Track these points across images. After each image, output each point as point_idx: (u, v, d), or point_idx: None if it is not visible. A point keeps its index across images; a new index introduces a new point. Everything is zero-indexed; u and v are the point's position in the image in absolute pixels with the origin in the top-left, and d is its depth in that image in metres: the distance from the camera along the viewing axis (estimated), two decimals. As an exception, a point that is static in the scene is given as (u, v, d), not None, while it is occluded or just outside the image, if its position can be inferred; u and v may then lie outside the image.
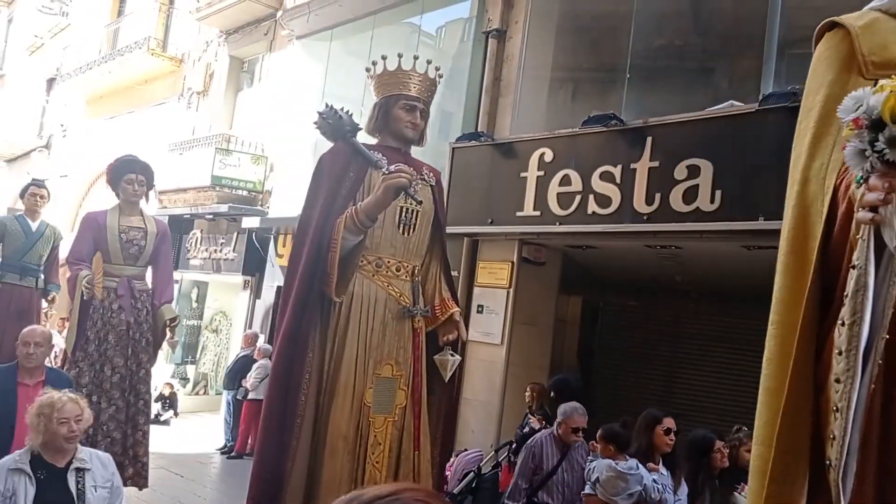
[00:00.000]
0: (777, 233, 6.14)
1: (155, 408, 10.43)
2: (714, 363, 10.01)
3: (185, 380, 12.61)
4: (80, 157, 17.08)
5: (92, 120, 17.04)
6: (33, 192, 7.04)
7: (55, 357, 6.20)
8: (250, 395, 9.45)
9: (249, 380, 9.47)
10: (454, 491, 6.48)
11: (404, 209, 3.54)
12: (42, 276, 6.95)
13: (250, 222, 10.72)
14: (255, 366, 9.56)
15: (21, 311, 6.65)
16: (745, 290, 9.44)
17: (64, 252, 6.73)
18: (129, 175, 5.59)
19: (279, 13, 11.27)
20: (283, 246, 10.26)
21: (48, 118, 19.24)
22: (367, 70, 3.71)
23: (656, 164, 6.01)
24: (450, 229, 7.42)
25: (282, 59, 11.40)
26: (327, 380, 3.36)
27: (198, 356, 13.12)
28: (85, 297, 5.23)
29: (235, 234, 11.31)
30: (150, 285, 5.69)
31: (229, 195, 11.26)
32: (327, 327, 3.38)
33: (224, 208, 11.17)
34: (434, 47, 9.47)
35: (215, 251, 11.87)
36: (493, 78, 7.83)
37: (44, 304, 7.00)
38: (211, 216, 11.82)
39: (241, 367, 9.74)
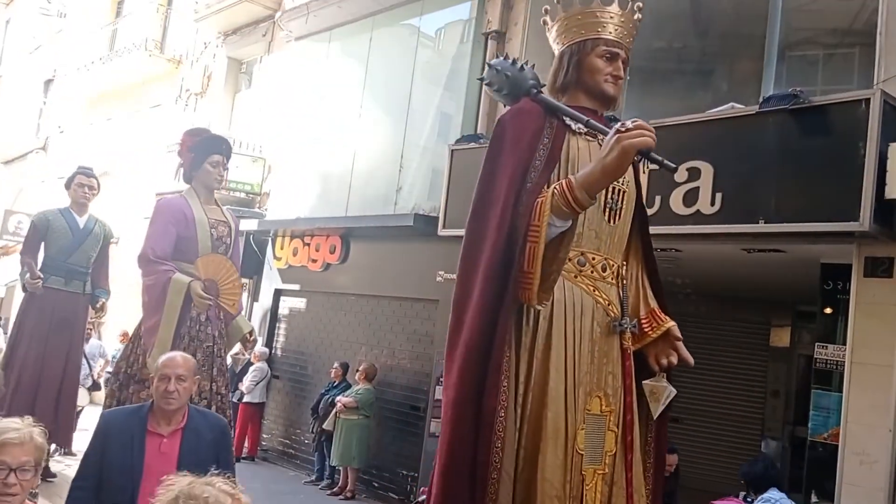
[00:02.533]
0: (777, 235, 6.10)
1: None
2: (713, 366, 9.98)
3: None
4: (78, 158, 17.01)
5: (90, 121, 17.00)
6: (81, 182, 6.13)
7: (115, 378, 4.74)
8: (245, 398, 9.41)
9: (245, 383, 9.43)
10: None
11: (615, 188, 2.66)
12: (89, 281, 6.09)
13: (248, 224, 10.65)
14: (251, 368, 9.53)
15: (65, 321, 5.89)
16: (744, 294, 9.44)
17: (109, 252, 6.19)
18: (215, 156, 4.59)
19: (278, 14, 11.23)
20: (281, 248, 10.22)
21: (45, 119, 19.19)
22: (546, 11, 2.85)
23: (656, 166, 5.96)
24: (448, 232, 7.43)
25: (280, 61, 11.36)
26: (527, 418, 2.47)
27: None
28: (195, 314, 4.31)
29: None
30: None
31: (227, 197, 11.21)
32: (520, 345, 2.51)
33: (222, 210, 11.12)
34: (433, 49, 9.44)
35: (213, 253, 11.83)
36: (493, 80, 7.80)
37: (91, 312, 6.31)
38: (208, 218, 11.77)
39: (237, 370, 9.71)
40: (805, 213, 5.11)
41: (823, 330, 5.87)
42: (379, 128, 9.48)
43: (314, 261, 9.60)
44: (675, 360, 2.75)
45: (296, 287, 10.07)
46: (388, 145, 9.11)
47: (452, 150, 7.52)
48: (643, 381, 2.75)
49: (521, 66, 2.73)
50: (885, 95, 4.93)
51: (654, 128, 6.53)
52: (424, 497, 3.14)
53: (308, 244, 9.73)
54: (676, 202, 5.78)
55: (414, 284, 8.13)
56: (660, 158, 2.56)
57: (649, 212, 5.93)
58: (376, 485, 8.24)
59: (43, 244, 5.91)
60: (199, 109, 13.20)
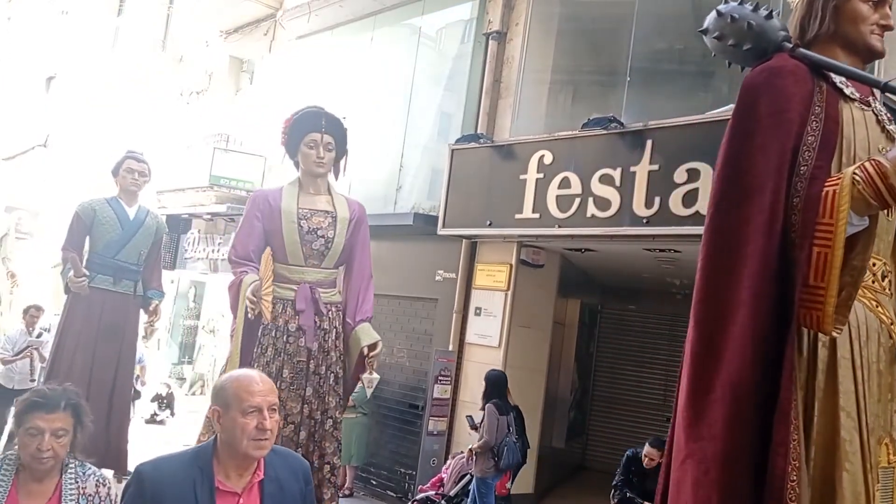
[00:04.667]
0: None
1: (151, 408, 10.41)
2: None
3: (181, 380, 12.59)
4: (79, 155, 17.04)
5: (91, 118, 17.01)
6: (130, 167, 5.38)
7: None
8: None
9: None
10: (450, 493, 6.45)
11: None
12: (140, 281, 5.38)
13: (248, 222, 10.67)
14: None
15: (113, 327, 5.15)
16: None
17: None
18: (312, 135, 3.91)
19: (279, 13, 11.25)
20: (281, 246, 10.24)
21: (47, 116, 19.20)
22: None
23: (656, 167, 5.99)
24: (448, 231, 7.46)
25: (281, 60, 11.37)
26: (813, 481, 1.84)
27: (195, 356, 13.08)
28: (249, 316, 3.66)
29: (233, 234, 11.28)
30: (341, 296, 4.03)
31: (227, 195, 11.24)
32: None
33: (222, 208, 11.14)
34: (434, 48, 9.46)
35: (213, 251, 11.85)
36: (493, 80, 7.82)
37: (143, 316, 5.49)
38: (209, 216, 11.80)
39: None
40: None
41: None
42: (379, 127, 9.49)
43: (314, 259, 9.61)
44: None
45: (295, 285, 10.08)
46: (388, 144, 9.12)
47: (453, 150, 7.54)
48: None
49: (769, 12, 2.09)
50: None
51: (655, 128, 6.44)
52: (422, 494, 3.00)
53: (308, 242, 9.75)
54: (676, 203, 5.80)
55: (413, 283, 8.15)
56: None
57: (649, 212, 6.01)
58: (374, 482, 8.26)
59: (89, 238, 5.21)
60: (200, 107, 13.22)
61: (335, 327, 3.88)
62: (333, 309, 3.90)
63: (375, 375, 3.20)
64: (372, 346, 3.98)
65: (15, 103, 20.79)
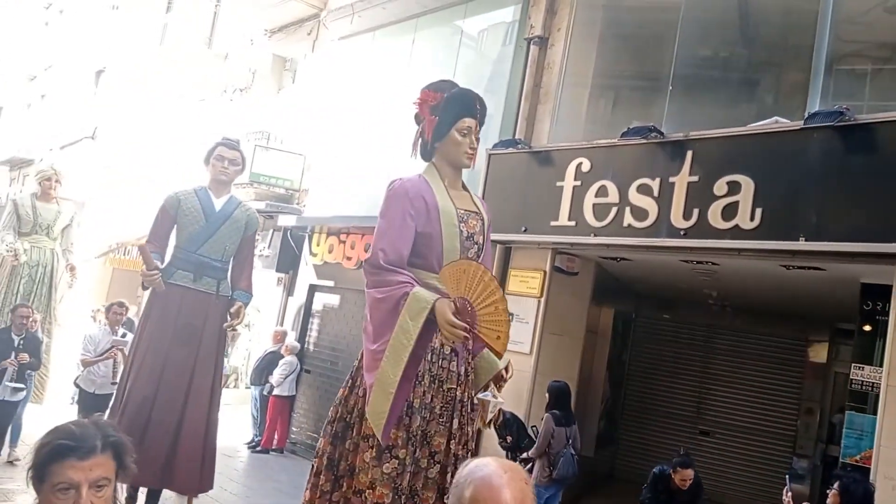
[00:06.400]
0: (818, 254, 6.00)
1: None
2: (745, 380, 9.85)
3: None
4: (125, 149, 17.42)
5: (137, 112, 17.37)
6: (221, 154, 4.87)
7: (330, 425, 3.29)
8: (275, 391, 9.54)
9: (275, 376, 9.57)
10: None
11: None
12: (227, 279, 4.83)
13: (286, 220, 10.81)
14: (280, 362, 9.66)
15: (191, 329, 4.59)
16: (780, 308, 9.30)
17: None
18: (466, 120, 3.21)
19: (323, 14, 11.36)
20: (318, 245, 10.33)
21: (95, 109, 19.66)
22: None
23: (696, 178, 5.92)
24: (483, 235, 7.45)
25: (324, 59, 11.48)
26: None
27: (229, 350, 13.28)
28: (437, 345, 3.06)
29: (271, 232, 11.42)
30: None
31: (267, 192, 11.38)
32: None
33: (261, 205, 11.28)
34: (476, 50, 9.46)
35: (251, 246, 12.01)
36: (533, 85, 7.79)
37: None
38: (248, 212, 11.96)
39: (267, 364, 9.85)
40: (846, 232, 5.02)
41: (861, 350, 5.77)
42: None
43: (349, 258, 9.70)
44: None
45: (330, 283, 10.17)
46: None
47: (490, 154, 7.53)
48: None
49: None
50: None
51: (695, 139, 6.38)
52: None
53: (344, 241, 9.83)
54: (715, 216, 5.72)
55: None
56: None
57: (687, 224, 5.94)
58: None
59: (175, 230, 4.78)
60: (242, 104, 13.42)
61: (470, 350, 3.27)
62: None
63: (501, 399, 2.95)
64: (506, 368, 3.34)
65: (65, 95, 21.32)
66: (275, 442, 9.59)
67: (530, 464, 6.34)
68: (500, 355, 3.01)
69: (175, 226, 4.76)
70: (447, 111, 3.25)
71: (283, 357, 9.71)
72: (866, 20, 6.64)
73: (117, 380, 6.43)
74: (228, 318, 4.80)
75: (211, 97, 14.37)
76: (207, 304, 4.66)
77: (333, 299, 10.30)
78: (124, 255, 15.85)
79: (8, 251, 6.23)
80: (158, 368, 4.51)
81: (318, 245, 10.34)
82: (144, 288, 4.73)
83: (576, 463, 6.21)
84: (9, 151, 25.48)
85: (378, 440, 2.86)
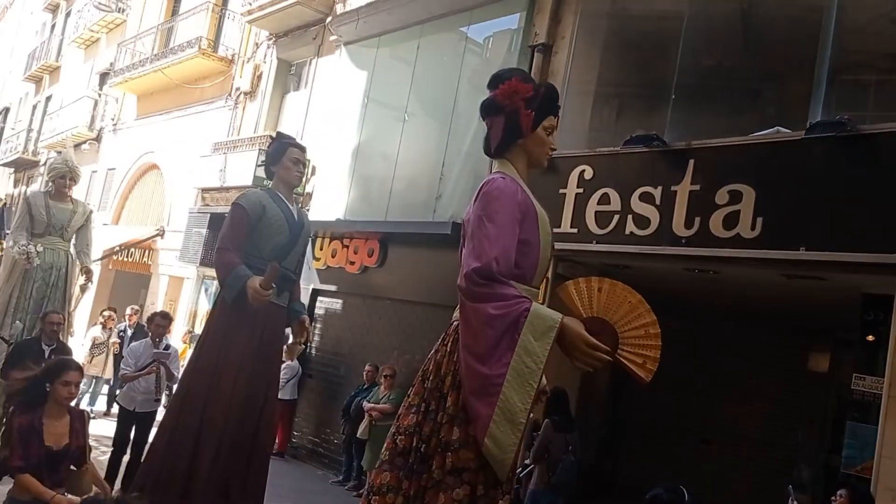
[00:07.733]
0: (819, 264, 6.01)
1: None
2: (748, 389, 9.83)
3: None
4: (128, 151, 17.49)
5: (141, 115, 17.44)
6: (296, 158, 4.42)
7: (402, 457, 2.67)
8: (278, 395, 9.53)
9: (279, 380, 9.57)
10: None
11: None
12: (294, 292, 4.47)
13: (289, 224, 10.82)
14: (283, 366, 9.65)
15: (270, 347, 4.24)
16: (783, 317, 9.29)
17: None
18: (552, 119, 2.90)
19: (328, 19, 11.41)
20: (321, 249, 10.36)
21: (100, 111, 19.75)
22: None
23: (697, 187, 5.94)
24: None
25: (329, 64, 11.53)
26: None
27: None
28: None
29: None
30: None
31: (270, 196, 11.41)
32: None
33: (264, 208, 11.32)
34: (480, 56, 9.49)
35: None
36: (537, 92, 7.81)
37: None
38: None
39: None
40: (847, 242, 5.04)
41: (862, 360, 5.77)
42: (422, 135, 9.56)
43: (352, 263, 9.72)
44: None
45: (333, 288, 10.20)
46: (430, 153, 9.17)
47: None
48: None
49: None
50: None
51: (698, 148, 6.41)
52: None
53: (347, 246, 9.85)
54: (716, 224, 5.74)
55: (448, 292, 8.09)
56: None
57: (688, 232, 5.95)
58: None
59: (255, 236, 4.21)
60: (247, 109, 13.47)
61: None
62: None
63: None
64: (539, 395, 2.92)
65: (70, 97, 21.41)
66: (276, 446, 9.59)
67: (529, 469, 6.34)
68: (643, 382, 2.68)
69: (252, 233, 4.20)
70: (544, 106, 2.90)
71: (284, 361, 9.72)
72: (870, 31, 6.66)
73: (160, 396, 6.34)
74: (292, 333, 4.57)
75: (216, 101, 14.42)
76: (282, 318, 4.33)
77: (336, 304, 10.32)
78: (127, 256, 15.90)
79: (20, 254, 5.77)
80: (242, 389, 4.10)
81: (321, 249, 10.36)
82: (223, 304, 4.17)
83: (575, 470, 6.20)
84: (14, 153, 25.62)
85: (485, 477, 2.52)
